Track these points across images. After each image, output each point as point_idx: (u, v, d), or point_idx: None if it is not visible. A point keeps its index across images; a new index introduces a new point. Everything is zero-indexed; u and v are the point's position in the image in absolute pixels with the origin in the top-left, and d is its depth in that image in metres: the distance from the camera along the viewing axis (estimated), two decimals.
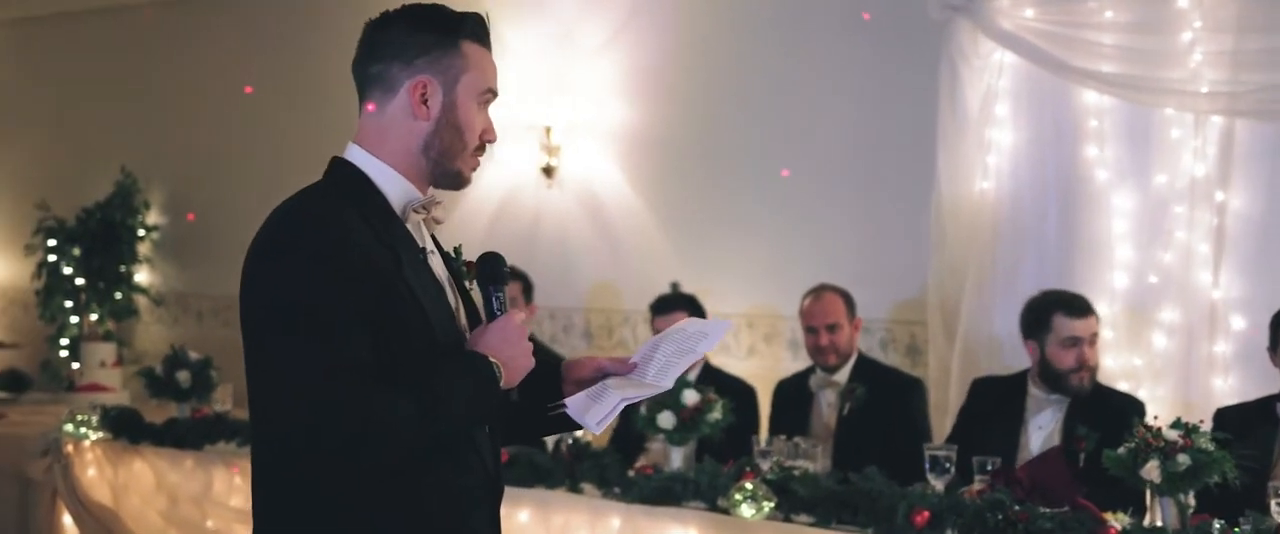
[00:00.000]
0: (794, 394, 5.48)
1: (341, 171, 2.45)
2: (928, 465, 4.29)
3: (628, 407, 2.52)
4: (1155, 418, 4.06)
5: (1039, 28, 5.45)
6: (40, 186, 8.77)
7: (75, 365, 8.15)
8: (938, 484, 4.26)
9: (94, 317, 8.33)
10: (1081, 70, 5.39)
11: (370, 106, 2.47)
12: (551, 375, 2.62)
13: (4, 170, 9.40)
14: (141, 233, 8.46)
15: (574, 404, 2.48)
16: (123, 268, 8.40)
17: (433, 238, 2.56)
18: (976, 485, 4.21)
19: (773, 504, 4.20)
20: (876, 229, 6.23)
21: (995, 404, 4.99)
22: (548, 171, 6.99)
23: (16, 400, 8.07)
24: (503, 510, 4.70)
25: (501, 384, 2.35)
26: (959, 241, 5.67)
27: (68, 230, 8.35)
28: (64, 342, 8.37)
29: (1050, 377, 4.84)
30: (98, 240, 8.29)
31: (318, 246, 2.25)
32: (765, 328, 6.44)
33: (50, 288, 8.41)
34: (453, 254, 2.60)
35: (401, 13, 2.48)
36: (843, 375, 5.33)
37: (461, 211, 7.32)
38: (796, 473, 4.31)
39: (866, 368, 5.37)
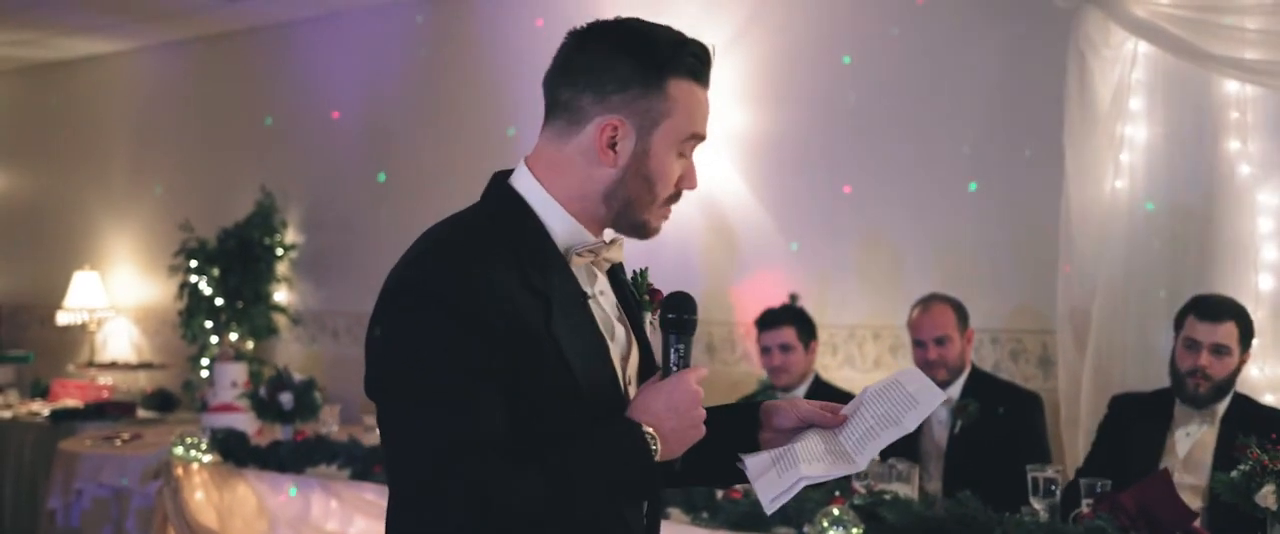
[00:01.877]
0: None
1: (503, 198, 2.15)
2: (1030, 488, 3.96)
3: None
4: None
5: (1175, 14, 5.04)
6: (185, 208, 8.90)
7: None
8: (1041, 508, 3.92)
9: (234, 336, 8.39)
10: (1222, 58, 4.96)
11: (552, 134, 2.15)
12: (748, 421, 2.28)
13: (152, 192, 9.57)
14: (279, 252, 8.50)
15: (754, 465, 2.15)
16: (261, 287, 8.45)
17: (617, 268, 2.28)
18: (1085, 509, 3.87)
19: (860, 531, 3.92)
20: (1005, 233, 5.88)
21: (1138, 418, 4.64)
22: None
23: (163, 420, 8.20)
24: None
25: (658, 458, 2.03)
26: (1090, 245, 5.28)
27: (207, 251, 8.43)
28: (205, 362, 8.45)
29: (1173, 377, 4.55)
30: (235, 260, 8.34)
31: (454, 297, 1.95)
32: (891, 339, 6.13)
33: (191, 308, 8.49)
34: (636, 277, 2.30)
35: (609, 29, 2.15)
36: (954, 391, 5.00)
37: None
38: (887, 497, 4.02)
39: (980, 382, 5.03)
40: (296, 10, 8.38)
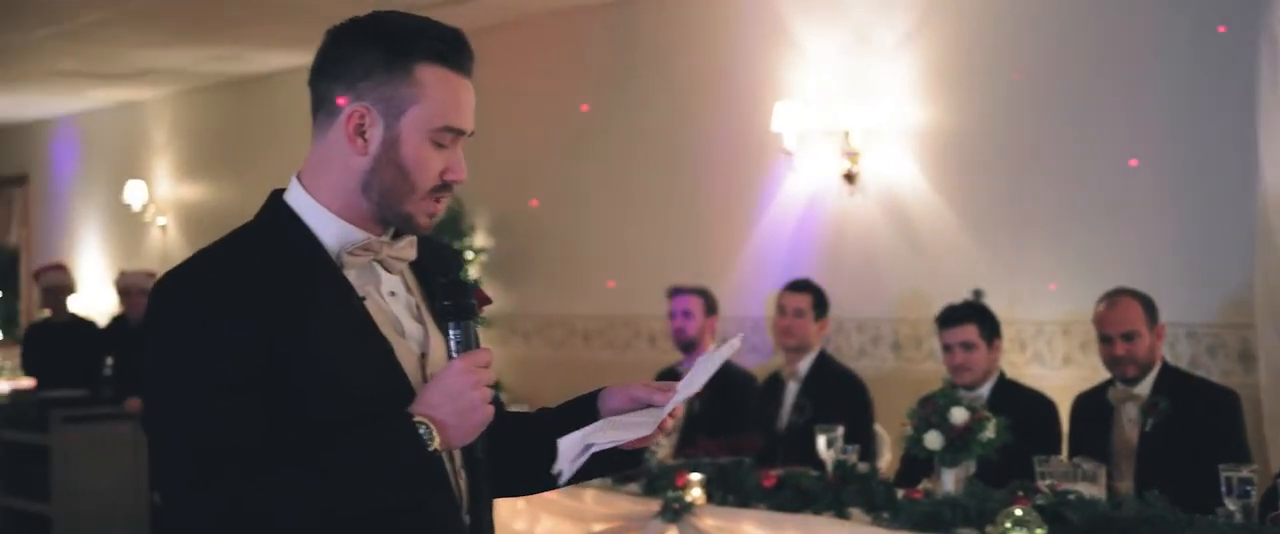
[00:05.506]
0: (1093, 409, 5.02)
1: (271, 212, 2.17)
2: (1223, 488, 3.83)
3: None
4: None
5: None
6: None
7: None
8: (1235, 509, 3.79)
9: None
10: None
11: (315, 133, 2.16)
12: (587, 411, 2.27)
13: None
14: (469, 256, 8.67)
15: (565, 446, 2.14)
16: None
17: (425, 271, 2.25)
18: None
19: (1044, 531, 3.84)
20: (1200, 224, 5.68)
21: None
22: (849, 178, 6.74)
23: None
24: None
25: (437, 446, 2.01)
26: None
27: None
28: None
29: None
30: None
31: (192, 316, 2.00)
32: (1081, 335, 5.96)
33: None
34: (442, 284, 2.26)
35: (360, 22, 2.14)
36: (1144, 388, 4.84)
37: (763, 225, 7.17)
38: (1071, 497, 3.93)
39: (1172, 379, 4.85)
40: (480, 19, 8.53)
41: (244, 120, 10.89)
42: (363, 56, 2.09)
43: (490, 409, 2.06)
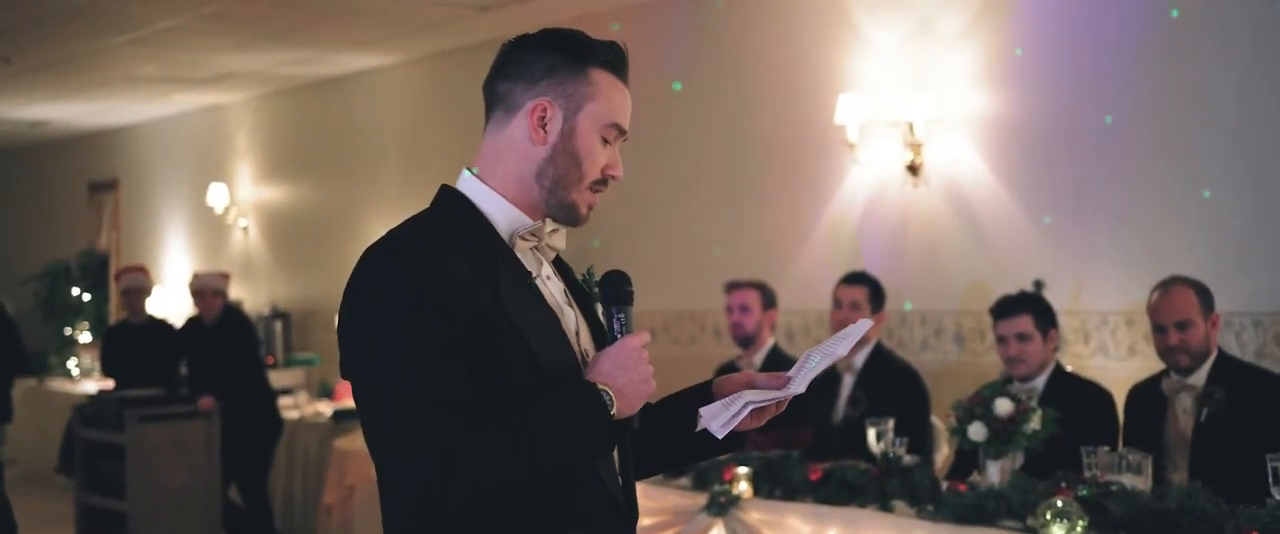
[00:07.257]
0: (1147, 400, 4.91)
1: (447, 199, 2.39)
2: (1270, 477, 3.74)
3: None
4: None
5: None
6: None
7: None
8: None
9: None
10: None
11: (491, 128, 2.41)
12: (704, 396, 2.49)
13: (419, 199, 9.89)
14: None
15: (707, 412, 2.39)
16: None
17: (558, 261, 2.48)
18: None
19: (1085, 523, 3.77)
20: (1267, 212, 5.55)
21: None
22: (913, 169, 6.67)
23: None
24: (810, 529, 4.49)
25: (614, 413, 2.23)
26: None
27: None
28: None
29: None
30: None
31: (406, 282, 2.19)
32: (1145, 325, 5.83)
33: None
34: (585, 276, 2.49)
35: (537, 34, 2.41)
36: (1199, 378, 4.73)
37: (827, 217, 7.13)
38: (1114, 488, 3.85)
39: (1228, 368, 4.73)
40: (540, 17, 8.56)
41: (323, 122, 11.02)
42: (544, 59, 2.36)
43: (654, 384, 2.30)
